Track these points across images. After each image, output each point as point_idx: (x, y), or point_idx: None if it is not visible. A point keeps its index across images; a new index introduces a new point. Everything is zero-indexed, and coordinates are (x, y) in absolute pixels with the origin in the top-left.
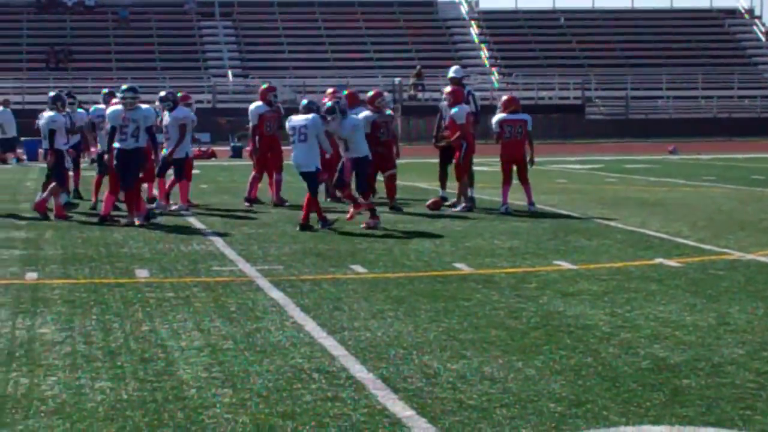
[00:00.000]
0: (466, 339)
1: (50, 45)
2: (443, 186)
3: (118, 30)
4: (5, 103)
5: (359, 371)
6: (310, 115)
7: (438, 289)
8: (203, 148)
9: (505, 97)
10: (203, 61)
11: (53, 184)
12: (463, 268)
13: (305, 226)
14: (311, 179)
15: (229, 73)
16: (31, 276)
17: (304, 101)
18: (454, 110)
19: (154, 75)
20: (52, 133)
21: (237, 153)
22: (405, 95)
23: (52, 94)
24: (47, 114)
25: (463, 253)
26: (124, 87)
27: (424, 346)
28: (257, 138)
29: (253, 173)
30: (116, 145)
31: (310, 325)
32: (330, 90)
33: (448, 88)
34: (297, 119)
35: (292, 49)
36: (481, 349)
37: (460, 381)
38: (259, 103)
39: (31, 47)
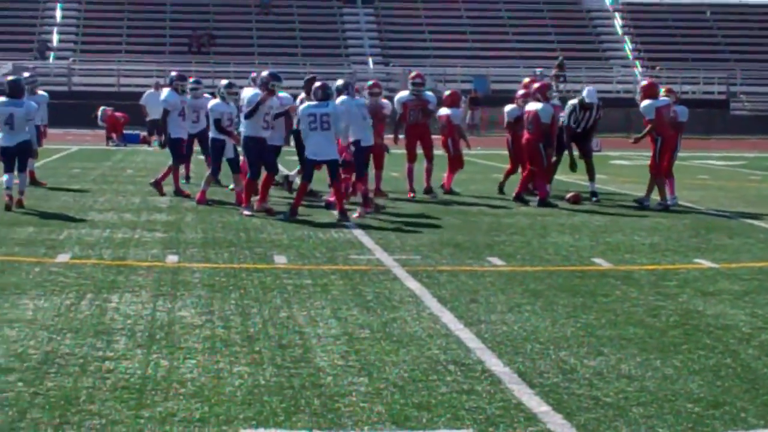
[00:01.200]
0: (604, 335)
1: (193, 29)
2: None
3: (260, 15)
4: (156, 87)
5: (495, 365)
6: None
7: (576, 284)
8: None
9: (646, 82)
10: (344, 48)
11: (208, 173)
12: (602, 263)
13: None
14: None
15: (370, 60)
16: (172, 259)
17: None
18: (643, 104)
19: (295, 61)
20: (217, 122)
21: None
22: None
23: (224, 82)
24: (213, 102)
25: (603, 248)
26: (264, 73)
27: (561, 341)
28: (403, 127)
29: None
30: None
31: (447, 317)
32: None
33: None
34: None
35: (433, 38)
36: (618, 347)
37: (597, 378)
38: (406, 92)
39: (174, 31)
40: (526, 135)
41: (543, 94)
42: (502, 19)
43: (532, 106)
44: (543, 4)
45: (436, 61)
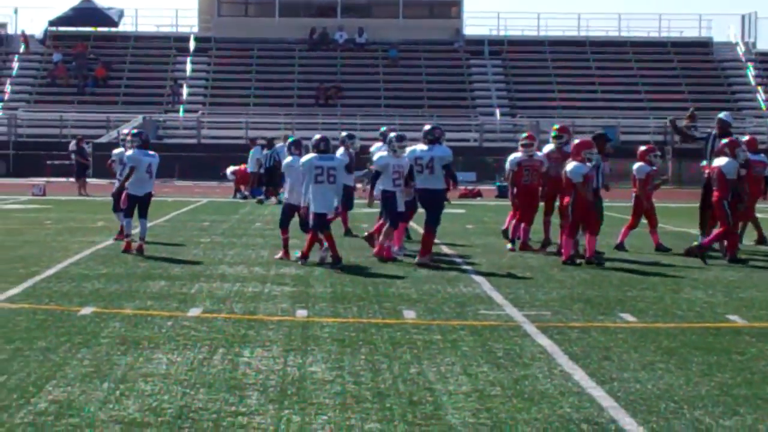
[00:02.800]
0: (740, 395)
1: (320, 81)
2: (702, 231)
3: (387, 68)
4: (284, 139)
5: (629, 424)
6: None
7: (710, 342)
8: (469, 187)
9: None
10: (471, 99)
11: (387, 226)
12: (736, 320)
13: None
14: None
15: (497, 111)
16: (302, 313)
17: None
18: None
19: (422, 113)
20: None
21: (503, 193)
22: (677, 137)
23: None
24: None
25: (737, 304)
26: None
27: (696, 400)
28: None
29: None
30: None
31: (579, 374)
32: None
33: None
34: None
35: (561, 89)
36: (755, 406)
37: None
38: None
39: (302, 83)
40: (714, 192)
41: (732, 150)
42: (632, 69)
43: (718, 162)
44: (674, 54)
45: (563, 111)
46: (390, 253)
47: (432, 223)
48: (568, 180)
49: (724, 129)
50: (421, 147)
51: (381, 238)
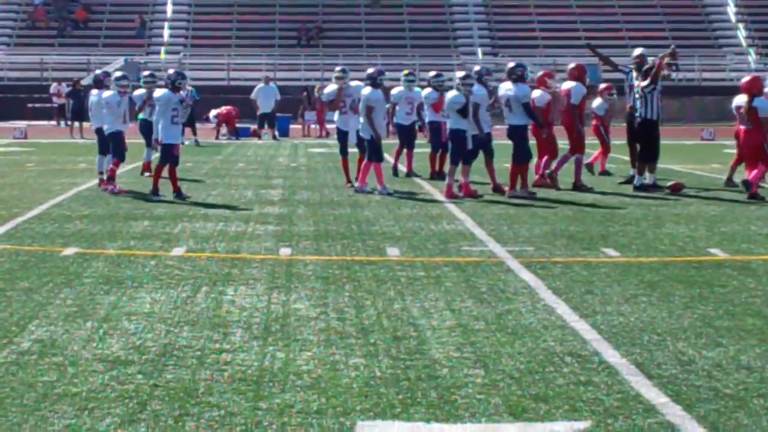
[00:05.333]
0: (722, 326)
1: (302, 23)
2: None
3: (368, 8)
4: (266, 80)
5: (612, 356)
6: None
7: (693, 275)
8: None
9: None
10: (453, 39)
11: (458, 165)
12: (718, 253)
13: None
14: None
15: (479, 51)
16: (285, 252)
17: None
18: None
19: (404, 53)
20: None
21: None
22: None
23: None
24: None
25: (719, 238)
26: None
27: (679, 332)
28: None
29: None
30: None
31: (562, 308)
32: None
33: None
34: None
35: (542, 28)
36: (737, 337)
37: (716, 369)
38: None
39: (283, 24)
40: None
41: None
42: (614, 7)
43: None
44: None
45: (545, 51)
46: (469, 189)
47: (518, 157)
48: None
49: (642, 64)
50: (505, 85)
51: (447, 178)
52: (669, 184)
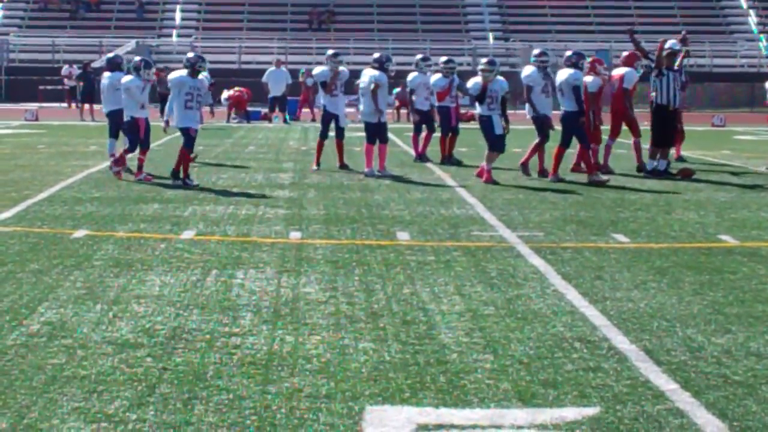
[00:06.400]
0: (731, 313)
1: (313, 6)
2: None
3: None
4: (277, 64)
5: (621, 342)
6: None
7: (702, 261)
8: (462, 111)
9: None
10: (464, 24)
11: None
12: (728, 240)
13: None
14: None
15: (490, 35)
16: (295, 235)
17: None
18: None
19: (415, 37)
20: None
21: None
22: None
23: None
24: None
25: (729, 224)
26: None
27: (688, 318)
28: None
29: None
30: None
31: (572, 294)
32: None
33: None
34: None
35: (554, 12)
36: (746, 324)
37: (725, 356)
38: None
39: (295, 8)
40: None
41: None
42: None
43: None
44: None
45: (557, 36)
46: (490, 176)
47: (582, 142)
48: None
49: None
50: (562, 72)
51: (485, 163)
52: (679, 169)
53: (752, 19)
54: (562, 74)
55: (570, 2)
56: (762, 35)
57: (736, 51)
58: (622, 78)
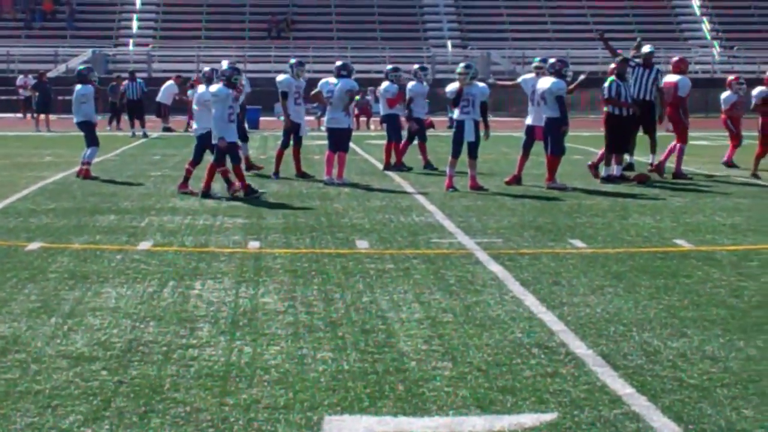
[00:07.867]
0: (687, 317)
1: (272, 14)
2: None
3: (339, 0)
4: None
5: (578, 347)
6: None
7: (658, 266)
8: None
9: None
10: (423, 31)
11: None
12: (683, 244)
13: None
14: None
15: (449, 43)
16: (254, 245)
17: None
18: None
19: (374, 45)
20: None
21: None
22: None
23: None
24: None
25: (684, 229)
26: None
27: (644, 323)
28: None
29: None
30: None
31: (530, 300)
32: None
33: None
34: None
35: (511, 20)
36: (702, 328)
37: (681, 359)
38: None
39: (254, 16)
40: None
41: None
42: (581, 0)
43: None
44: None
45: (514, 43)
46: (451, 182)
47: (555, 150)
48: None
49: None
50: (544, 80)
51: (448, 168)
52: (634, 175)
53: (705, 26)
54: (545, 82)
55: (527, 9)
56: (715, 41)
57: (690, 57)
58: (675, 86)
